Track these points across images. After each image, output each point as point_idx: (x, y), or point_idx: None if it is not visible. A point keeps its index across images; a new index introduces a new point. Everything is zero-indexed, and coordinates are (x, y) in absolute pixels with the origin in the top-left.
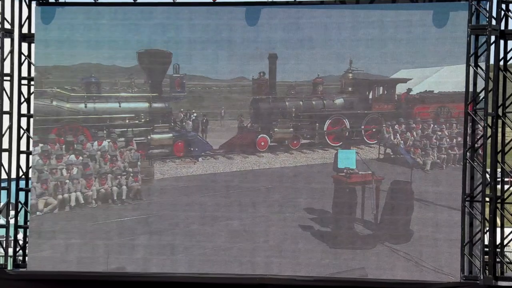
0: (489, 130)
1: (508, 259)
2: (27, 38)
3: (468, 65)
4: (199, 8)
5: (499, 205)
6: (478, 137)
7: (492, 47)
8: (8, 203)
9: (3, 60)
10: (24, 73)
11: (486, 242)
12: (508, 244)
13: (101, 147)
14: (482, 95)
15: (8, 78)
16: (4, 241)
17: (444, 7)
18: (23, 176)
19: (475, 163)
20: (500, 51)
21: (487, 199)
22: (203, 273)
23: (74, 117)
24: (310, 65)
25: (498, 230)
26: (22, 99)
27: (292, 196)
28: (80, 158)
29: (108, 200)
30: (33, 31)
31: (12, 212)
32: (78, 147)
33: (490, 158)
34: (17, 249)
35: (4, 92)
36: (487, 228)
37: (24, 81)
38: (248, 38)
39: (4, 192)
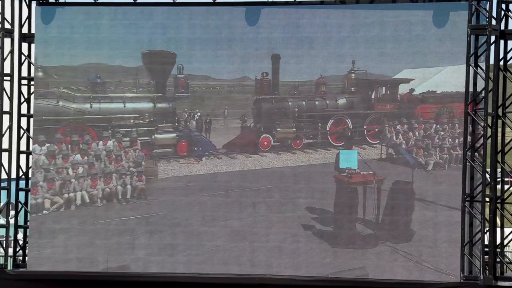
0: (489, 130)
1: (508, 259)
2: (27, 38)
3: (468, 65)
4: (199, 8)
5: (499, 205)
6: (478, 137)
7: (492, 47)
8: (8, 203)
9: (3, 60)
10: (24, 73)
11: (486, 242)
12: (508, 244)
13: (106, 147)
14: (482, 95)
15: (8, 78)
16: (4, 241)
17: (444, 7)
18: (23, 176)
19: (475, 163)
20: (500, 51)
21: (487, 199)
22: (203, 273)
23: (80, 117)
24: (310, 65)
25: (498, 230)
26: (22, 99)
27: (292, 196)
28: (86, 157)
29: (113, 199)
30: (33, 31)
31: (12, 212)
32: (84, 147)
33: (490, 158)
34: (17, 249)
35: (4, 92)
36: (487, 228)
37: (24, 81)
38: (248, 38)
39: (4, 192)
